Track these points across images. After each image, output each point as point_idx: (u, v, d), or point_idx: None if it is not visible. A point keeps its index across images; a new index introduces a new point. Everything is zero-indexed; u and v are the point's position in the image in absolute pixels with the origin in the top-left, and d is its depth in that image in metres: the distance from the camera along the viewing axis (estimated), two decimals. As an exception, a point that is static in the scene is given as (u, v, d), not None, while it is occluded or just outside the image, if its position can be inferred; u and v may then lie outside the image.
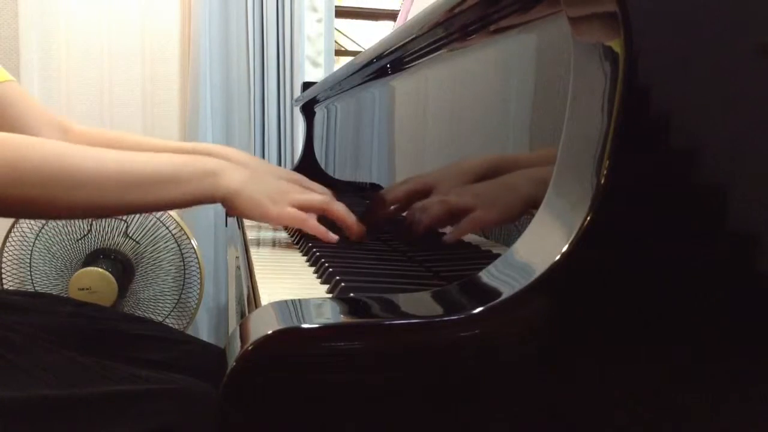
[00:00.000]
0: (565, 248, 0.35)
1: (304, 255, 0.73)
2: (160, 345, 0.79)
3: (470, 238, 0.59)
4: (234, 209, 0.71)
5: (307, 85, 1.57)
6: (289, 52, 2.10)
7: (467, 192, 0.60)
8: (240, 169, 0.72)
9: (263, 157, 2.11)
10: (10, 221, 1.76)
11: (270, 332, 0.34)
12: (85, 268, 1.69)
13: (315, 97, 1.40)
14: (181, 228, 1.84)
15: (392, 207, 0.79)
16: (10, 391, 0.54)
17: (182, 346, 0.81)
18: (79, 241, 1.79)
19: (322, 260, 0.63)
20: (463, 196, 0.60)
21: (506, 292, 0.35)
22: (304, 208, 0.75)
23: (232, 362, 0.33)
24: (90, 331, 0.77)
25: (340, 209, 0.76)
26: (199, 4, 2.01)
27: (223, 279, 2.13)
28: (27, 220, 1.76)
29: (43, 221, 1.76)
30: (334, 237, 0.74)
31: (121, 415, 0.56)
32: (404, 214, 0.74)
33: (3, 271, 1.79)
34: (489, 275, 0.39)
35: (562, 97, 0.40)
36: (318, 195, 0.77)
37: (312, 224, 0.74)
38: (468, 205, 0.58)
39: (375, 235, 0.80)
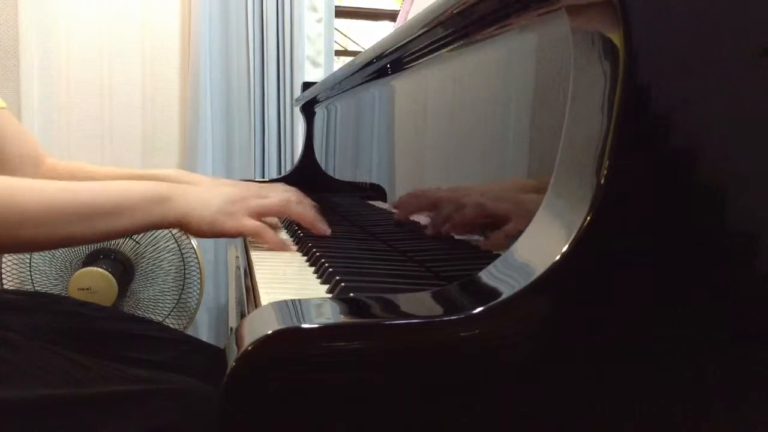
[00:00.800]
0: (565, 248, 0.35)
1: (304, 255, 0.73)
2: (159, 345, 0.79)
3: (470, 238, 0.59)
4: (190, 231, 0.71)
5: (307, 85, 1.57)
6: (289, 52, 2.10)
7: (505, 201, 0.59)
8: (190, 190, 0.72)
9: (263, 157, 2.11)
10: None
11: (270, 332, 0.34)
12: (85, 268, 1.69)
13: (315, 97, 1.40)
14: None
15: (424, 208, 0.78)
16: (10, 392, 0.54)
17: (182, 347, 0.81)
18: (79, 241, 1.79)
19: (322, 260, 0.63)
20: (500, 205, 0.59)
21: (506, 292, 0.35)
22: (262, 213, 0.75)
23: (232, 362, 0.33)
24: (90, 331, 0.77)
25: (296, 210, 0.77)
26: (199, 4, 2.01)
27: (223, 279, 2.13)
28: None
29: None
30: (290, 248, 0.75)
31: (121, 415, 0.56)
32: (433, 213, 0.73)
33: (3, 271, 1.79)
34: (489, 275, 0.39)
35: (562, 97, 0.40)
36: (273, 199, 0.77)
37: (269, 236, 0.74)
38: (503, 215, 0.57)
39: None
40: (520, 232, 0.40)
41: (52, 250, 1.78)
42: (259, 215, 0.75)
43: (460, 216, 0.62)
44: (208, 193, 0.73)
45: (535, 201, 0.40)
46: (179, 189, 0.71)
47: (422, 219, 0.72)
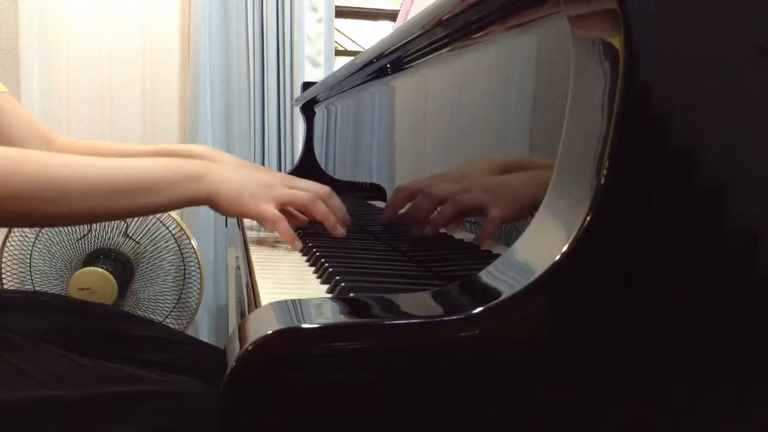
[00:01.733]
0: (565, 248, 0.35)
1: (304, 255, 0.73)
2: (159, 345, 0.79)
3: (470, 238, 0.59)
4: (218, 208, 0.71)
5: (307, 85, 1.57)
6: (289, 52, 2.10)
7: (479, 188, 0.59)
8: (222, 168, 0.72)
9: (263, 157, 2.11)
10: (10, 221, 1.76)
11: (270, 332, 0.34)
12: (85, 268, 1.69)
13: (315, 97, 1.40)
14: (181, 228, 1.84)
15: (407, 204, 0.78)
16: (9, 392, 0.54)
17: (181, 347, 0.81)
18: (79, 241, 1.79)
19: (322, 260, 0.63)
20: (475, 193, 0.59)
21: (506, 292, 0.35)
22: (287, 203, 0.74)
23: (232, 362, 0.33)
24: (90, 331, 0.77)
25: (321, 209, 0.76)
26: (199, 4, 2.01)
27: (223, 279, 2.13)
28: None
29: (43, 221, 1.76)
30: (299, 245, 0.74)
31: (120, 415, 0.56)
32: (416, 213, 0.73)
33: (3, 271, 1.79)
34: (489, 275, 0.39)
35: (562, 97, 0.40)
36: (302, 192, 0.76)
37: (283, 227, 0.73)
38: (481, 203, 0.57)
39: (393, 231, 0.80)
40: (519, 232, 0.40)
41: (52, 251, 1.78)
42: (284, 204, 0.74)
43: (457, 212, 0.62)
44: (239, 173, 0.73)
45: (535, 201, 0.40)
46: (212, 167, 0.71)
47: (420, 218, 0.72)
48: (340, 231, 0.77)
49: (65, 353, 0.62)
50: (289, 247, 0.76)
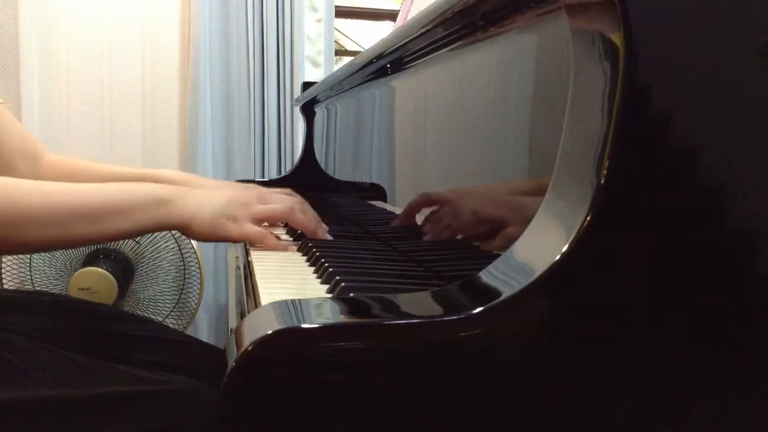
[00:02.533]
0: (565, 248, 0.35)
1: (304, 255, 0.73)
2: (159, 345, 0.79)
3: (470, 238, 0.59)
4: (191, 235, 0.70)
5: (307, 85, 1.57)
6: (289, 52, 2.10)
7: (500, 205, 0.59)
8: (193, 193, 0.71)
9: (263, 157, 2.11)
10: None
11: (270, 332, 0.34)
12: (85, 268, 1.69)
13: (315, 97, 1.40)
14: (181, 228, 1.83)
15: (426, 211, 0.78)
16: (9, 392, 0.54)
17: (181, 347, 0.81)
18: (79, 241, 1.79)
19: (322, 260, 0.63)
20: (497, 209, 0.59)
21: (506, 292, 0.35)
22: (266, 219, 0.75)
23: (232, 362, 0.33)
24: (90, 331, 0.77)
25: (300, 218, 0.76)
26: (199, 4, 2.01)
27: (223, 279, 2.13)
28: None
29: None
30: (293, 248, 0.75)
31: (120, 416, 0.56)
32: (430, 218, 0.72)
33: (3, 270, 1.79)
34: (489, 275, 0.39)
35: (562, 97, 0.40)
36: (278, 205, 0.76)
37: (271, 243, 0.74)
38: (500, 220, 0.56)
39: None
40: (519, 233, 0.40)
41: (52, 251, 1.78)
42: (262, 221, 0.75)
43: (458, 217, 0.62)
44: (210, 196, 0.72)
45: (535, 201, 0.40)
46: (180, 191, 0.70)
47: (422, 219, 0.72)
48: (321, 233, 0.78)
49: (65, 353, 0.62)
50: (290, 247, 0.76)
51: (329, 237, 0.79)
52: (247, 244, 0.81)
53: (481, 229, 0.58)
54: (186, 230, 0.70)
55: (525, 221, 0.40)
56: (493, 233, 0.55)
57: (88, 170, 0.97)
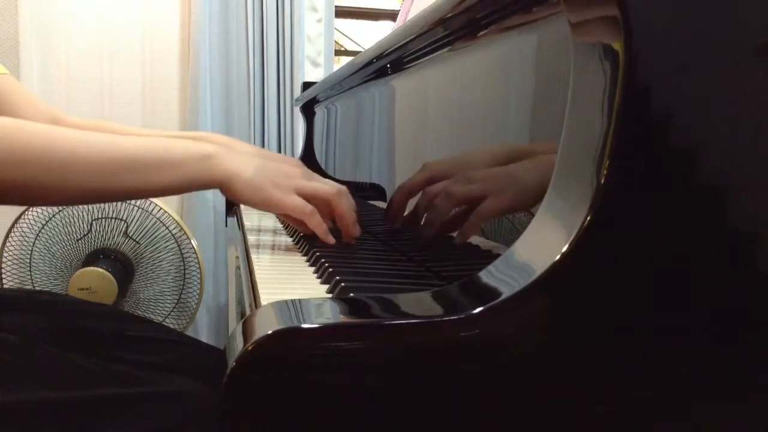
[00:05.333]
0: (565, 248, 0.35)
1: (304, 255, 0.73)
2: (159, 346, 0.79)
3: (470, 238, 0.59)
4: (233, 194, 0.66)
5: (307, 85, 1.57)
6: (289, 52, 2.10)
7: (473, 180, 0.58)
8: (239, 153, 0.67)
9: (263, 157, 2.11)
10: (10, 221, 1.76)
11: (270, 332, 0.34)
12: (85, 268, 1.69)
13: (315, 97, 1.40)
14: (181, 228, 1.84)
15: (408, 202, 0.75)
16: (8, 395, 0.54)
17: (181, 348, 0.81)
18: (79, 241, 1.79)
19: (322, 260, 0.63)
20: (469, 185, 0.58)
21: (506, 292, 0.35)
22: (309, 196, 0.69)
23: (232, 362, 0.33)
24: (90, 331, 0.77)
25: (344, 205, 0.71)
26: (199, 4, 2.01)
27: (223, 279, 2.13)
28: (27, 219, 1.76)
29: (44, 220, 1.76)
30: (332, 239, 0.70)
31: (120, 417, 0.56)
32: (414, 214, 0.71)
33: (3, 270, 1.79)
34: (489, 275, 0.39)
35: (562, 97, 0.40)
36: (325, 185, 0.71)
37: (316, 220, 0.68)
38: (475, 194, 0.56)
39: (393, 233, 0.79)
40: (519, 232, 0.40)
41: (52, 251, 1.78)
42: (306, 197, 0.69)
43: (452, 204, 0.62)
44: (256, 159, 0.68)
45: (535, 200, 0.40)
46: (229, 150, 0.67)
47: (422, 219, 0.72)
48: (357, 230, 0.73)
49: (64, 354, 0.62)
50: (290, 247, 0.76)
51: (359, 233, 0.74)
52: (247, 243, 0.81)
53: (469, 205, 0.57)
54: (227, 188, 0.66)
55: (512, 192, 0.40)
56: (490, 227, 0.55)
57: (108, 129, 0.94)
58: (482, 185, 0.56)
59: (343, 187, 0.73)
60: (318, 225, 0.69)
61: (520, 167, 0.52)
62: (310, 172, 0.74)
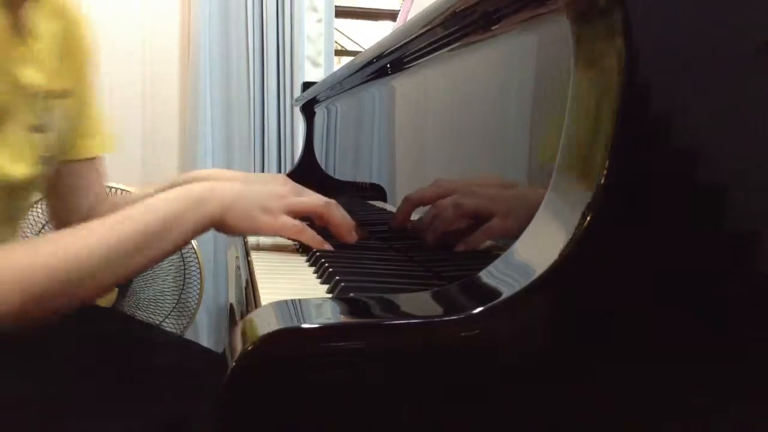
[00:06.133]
0: (565, 248, 0.35)
1: (303, 255, 0.73)
2: (159, 348, 0.79)
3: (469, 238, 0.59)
4: (225, 229, 0.68)
5: (307, 85, 1.57)
6: (289, 52, 2.10)
7: (484, 197, 0.58)
8: (223, 186, 0.68)
9: (263, 157, 2.11)
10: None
11: (270, 332, 0.34)
12: (85, 268, 1.68)
13: (315, 97, 1.40)
14: (181, 228, 1.83)
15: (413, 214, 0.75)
16: (7, 393, 0.54)
17: (181, 350, 0.81)
18: (79, 241, 1.79)
19: (322, 260, 0.63)
20: (479, 200, 0.58)
21: (506, 292, 0.35)
22: (301, 211, 0.71)
23: (232, 362, 0.33)
24: (90, 332, 0.77)
25: (337, 215, 0.73)
26: (199, 4, 2.01)
27: (223, 279, 2.13)
28: (27, 220, 1.76)
29: (44, 220, 1.76)
30: (329, 247, 0.71)
31: (120, 418, 0.56)
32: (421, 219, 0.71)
33: (3, 271, 1.79)
34: (489, 275, 0.39)
35: (562, 97, 0.40)
36: (315, 197, 0.73)
37: (308, 235, 0.70)
38: (484, 211, 0.56)
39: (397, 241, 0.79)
40: (519, 232, 0.40)
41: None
42: (298, 214, 0.71)
43: (459, 215, 0.62)
44: (243, 188, 0.69)
45: (535, 201, 0.40)
46: (216, 185, 0.68)
47: (422, 219, 0.72)
48: (354, 237, 0.74)
49: (63, 355, 0.62)
50: (290, 247, 0.76)
51: (355, 239, 0.75)
52: (247, 242, 0.81)
53: (469, 221, 0.57)
54: (221, 225, 0.67)
55: (524, 219, 0.40)
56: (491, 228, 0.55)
57: (127, 201, 0.93)
58: (493, 205, 0.56)
59: (332, 201, 0.74)
60: (311, 239, 0.71)
61: (531, 191, 0.52)
62: (299, 187, 0.75)
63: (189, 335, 1.91)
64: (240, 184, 0.70)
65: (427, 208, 0.69)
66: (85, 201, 0.87)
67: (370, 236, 0.78)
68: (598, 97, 0.36)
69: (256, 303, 0.54)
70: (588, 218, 0.35)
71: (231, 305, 1.93)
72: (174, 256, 1.84)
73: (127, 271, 0.62)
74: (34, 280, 0.55)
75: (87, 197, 0.88)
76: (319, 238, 0.71)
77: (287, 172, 1.56)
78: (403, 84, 0.84)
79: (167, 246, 0.63)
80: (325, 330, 0.35)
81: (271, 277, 0.63)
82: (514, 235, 0.42)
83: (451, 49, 0.67)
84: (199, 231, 0.66)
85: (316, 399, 0.34)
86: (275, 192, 0.71)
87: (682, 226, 0.37)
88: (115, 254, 0.60)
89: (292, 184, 0.76)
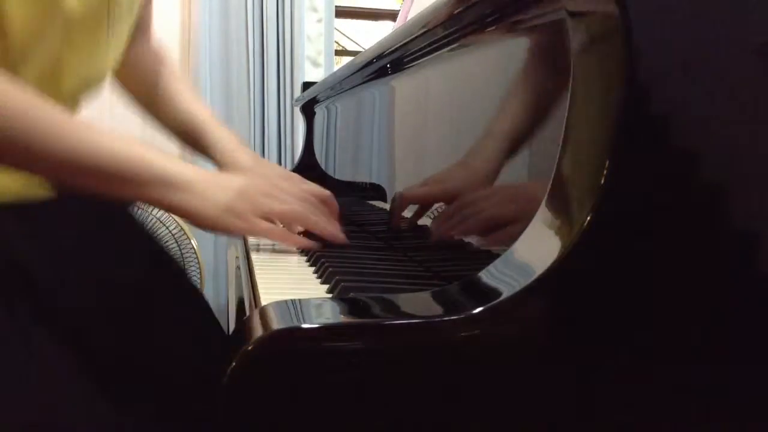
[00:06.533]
0: (565, 248, 0.35)
1: (304, 255, 0.73)
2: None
3: (470, 238, 0.59)
4: (195, 225, 0.67)
5: (307, 85, 1.57)
6: (289, 52, 2.10)
7: (506, 204, 0.57)
8: (202, 182, 0.66)
9: (263, 157, 2.11)
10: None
11: (270, 332, 0.34)
12: (85, 268, 1.68)
13: (315, 97, 1.40)
14: (181, 228, 1.84)
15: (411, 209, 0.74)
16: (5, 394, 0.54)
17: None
18: (79, 241, 1.79)
19: (322, 260, 0.63)
20: (503, 209, 0.56)
21: (506, 292, 0.35)
22: (272, 218, 0.70)
23: (232, 362, 0.33)
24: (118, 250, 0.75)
25: (313, 220, 0.71)
26: (199, 4, 2.01)
27: (223, 279, 2.13)
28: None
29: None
30: (314, 245, 0.71)
31: (119, 413, 0.56)
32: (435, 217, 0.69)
33: (3, 271, 1.79)
34: (489, 275, 0.39)
35: (562, 97, 0.40)
36: (288, 205, 0.70)
37: (281, 236, 0.70)
38: (508, 218, 0.55)
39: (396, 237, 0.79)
40: (519, 232, 0.40)
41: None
42: (273, 219, 0.70)
43: (459, 216, 0.62)
44: (219, 187, 0.67)
45: (535, 201, 0.40)
46: (190, 177, 0.66)
47: (422, 219, 0.72)
48: (341, 237, 0.73)
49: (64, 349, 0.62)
50: (290, 247, 0.75)
51: (343, 240, 0.74)
52: (247, 243, 0.81)
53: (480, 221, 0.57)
54: (189, 220, 0.67)
55: (524, 219, 0.40)
56: (492, 229, 0.55)
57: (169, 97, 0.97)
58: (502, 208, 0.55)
59: (312, 198, 0.73)
60: (289, 240, 0.71)
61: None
62: (281, 187, 0.73)
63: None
64: (216, 181, 0.68)
65: (440, 205, 0.68)
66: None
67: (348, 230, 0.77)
68: (598, 97, 0.36)
69: (256, 303, 0.54)
70: (588, 218, 0.35)
71: (238, 301, 1.93)
72: (174, 256, 1.84)
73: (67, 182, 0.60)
74: None
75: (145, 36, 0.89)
76: (298, 239, 0.71)
77: (287, 172, 1.56)
78: (402, 84, 0.84)
79: (113, 195, 0.63)
80: (325, 330, 0.35)
81: (271, 277, 0.63)
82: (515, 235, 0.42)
83: (451, 49, 0.67)
84: (157, 207, 0.67)
85: (316, 399, 0.34)
86: (250, 194, 0.69)
87: (682, 226, 0.37)
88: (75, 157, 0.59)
89: (270, 184, 0.73)
